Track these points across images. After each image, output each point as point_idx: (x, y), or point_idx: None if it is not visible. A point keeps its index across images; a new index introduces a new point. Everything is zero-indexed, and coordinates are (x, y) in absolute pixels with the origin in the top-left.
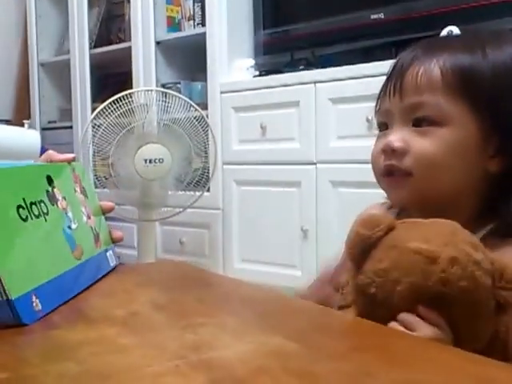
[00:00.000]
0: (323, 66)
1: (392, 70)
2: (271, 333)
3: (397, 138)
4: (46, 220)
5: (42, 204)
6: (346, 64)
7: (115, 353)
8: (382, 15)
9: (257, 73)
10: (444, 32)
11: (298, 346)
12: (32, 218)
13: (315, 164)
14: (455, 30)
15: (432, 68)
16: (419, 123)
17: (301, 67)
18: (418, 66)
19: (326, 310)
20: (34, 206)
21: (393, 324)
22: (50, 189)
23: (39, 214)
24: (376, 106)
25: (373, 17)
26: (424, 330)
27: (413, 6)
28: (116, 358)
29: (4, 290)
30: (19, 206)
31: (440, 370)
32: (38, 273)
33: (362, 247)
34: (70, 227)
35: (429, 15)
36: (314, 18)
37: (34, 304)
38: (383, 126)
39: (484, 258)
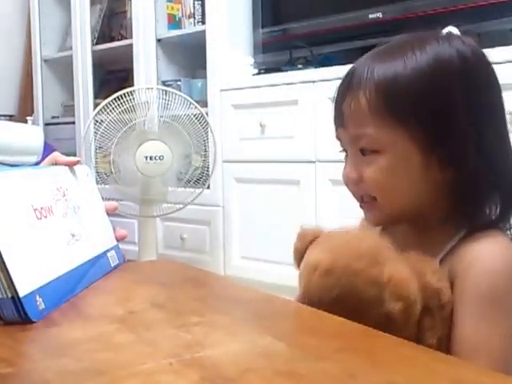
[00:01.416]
0: (322, 65)
1: (335, 97)
2: (261, 333)
3: (350, 168)
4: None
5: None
6: (345, 63)
7: (112, 350)
8: (380, 14)
9: (256, 71)
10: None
11: (287, 347)
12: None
13: (314, 162)
14: (454, 30)
15: (360, 99)
16: (364, 152)
17: (300, 66)
18: (349, 96)
19: (314, 312)
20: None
21: None
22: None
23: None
24: (335, 129)
25: (371, 16)
26: None
27: (411, 5)
28: (112, 355)
29: (14, 288)
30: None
31: (421, 372)
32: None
33: (298, 258)
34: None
35: (427, 15)
36: (312, 17)
37: (38, 303)
38: (343, 150)
39: (370, 267)
